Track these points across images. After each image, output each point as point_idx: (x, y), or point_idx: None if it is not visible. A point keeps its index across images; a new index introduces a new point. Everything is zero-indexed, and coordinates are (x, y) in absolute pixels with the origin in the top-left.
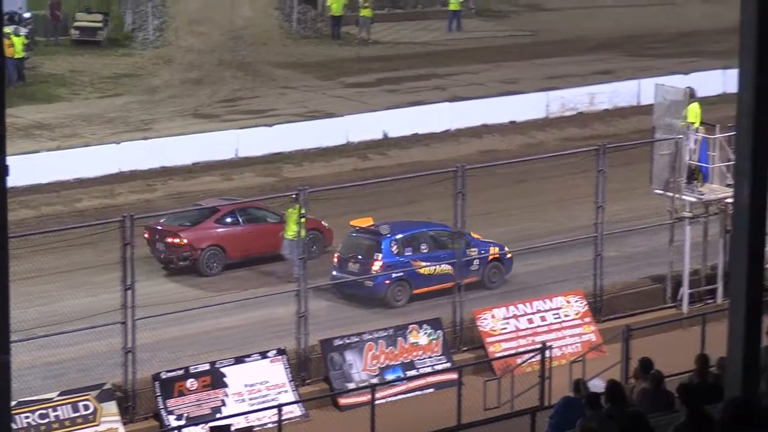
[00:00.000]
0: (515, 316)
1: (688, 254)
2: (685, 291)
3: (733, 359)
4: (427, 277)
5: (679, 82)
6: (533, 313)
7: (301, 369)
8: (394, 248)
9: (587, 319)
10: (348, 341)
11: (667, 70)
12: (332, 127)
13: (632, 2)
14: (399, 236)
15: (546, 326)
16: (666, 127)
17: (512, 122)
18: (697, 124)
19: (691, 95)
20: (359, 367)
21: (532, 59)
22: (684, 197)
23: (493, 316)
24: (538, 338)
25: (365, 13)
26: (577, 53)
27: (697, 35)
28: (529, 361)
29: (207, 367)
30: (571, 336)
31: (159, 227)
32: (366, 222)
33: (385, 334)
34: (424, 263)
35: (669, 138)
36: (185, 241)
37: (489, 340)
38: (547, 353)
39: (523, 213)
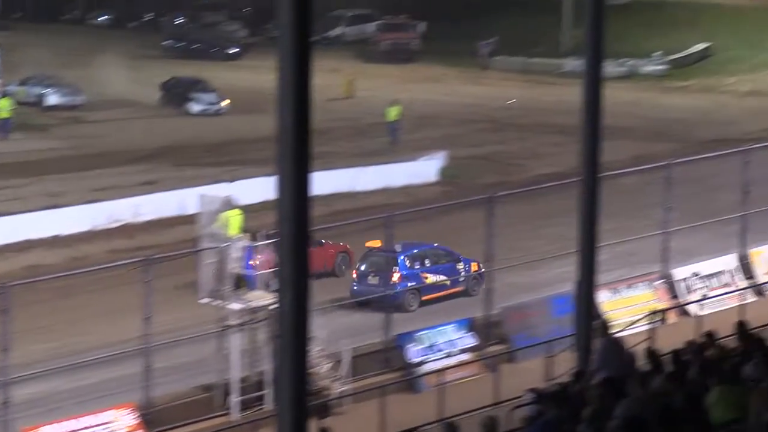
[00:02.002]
0: None
1: (236, 361)
2: (234, 398)
3: None
4: (431, 287)
5: (223, 190)
6: (83, 429)
7: None
8: (408, 263)
9: None
10: None
11: (211, 179)
12: None
13: (172, 114)
14: (410, 253)
15: None
16: (211, 236)
17: (57, 236)
18: (234, 232)
19: (229, 203)
20: None
21: (76, 172)
22: (230, 305)
23: None
24: None
25: None
26: (121, 165)
27: (239, 144)
28: None
29: None
30: None
31: None
32: (377, 243)
33: None
34: (430, 275)
35: (213, 247)
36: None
37: None
38: None
39: (70, 327)
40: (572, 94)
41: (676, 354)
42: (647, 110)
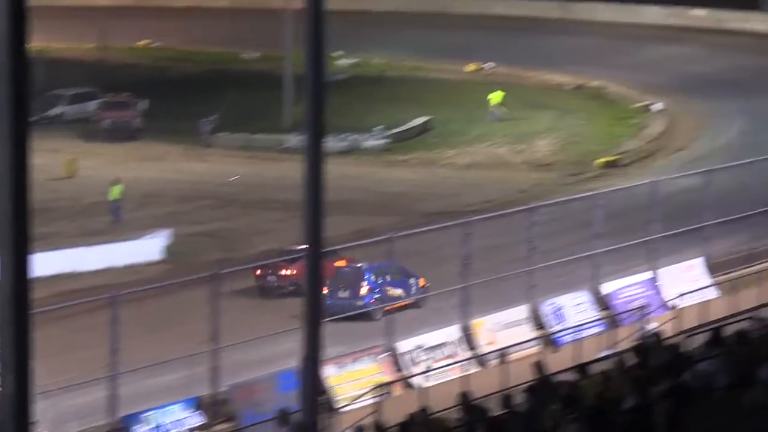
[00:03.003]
0: None
1: None
2: None
3: None
4: (392, 298)
5: None
6: None
7: None
8: (373, 277)
9: None
10: None
11: None
12: None
13: None
14: (375, 269)
15: None
16: None
17: None
18: None
19: None
20: None
21: None
22: None
23: None
24: None
25: None
26: None
27: None
28: None
29: None
30: None
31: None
32: (343, 263)
33: None
34: (391, 288)
35: None
36: (295, 272)
37: None
38: None
39: None
40: (295, 169)
41: (402, 426)
42: (369, 184)
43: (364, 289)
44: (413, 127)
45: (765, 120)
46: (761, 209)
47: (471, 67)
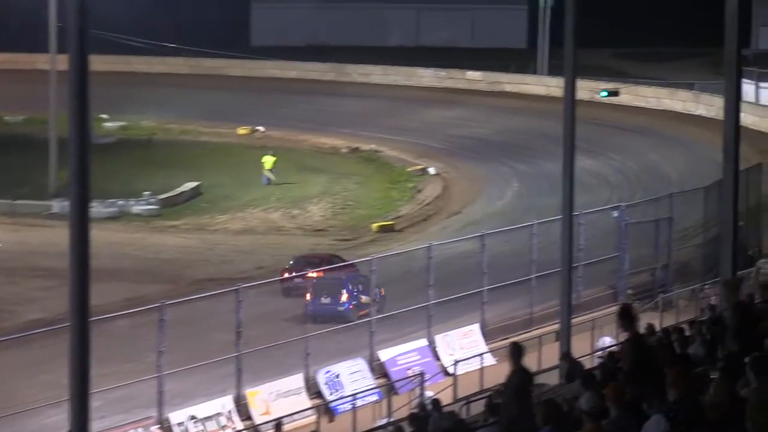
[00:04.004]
0: None
1: None
2: None
3: None
4: (362, 304)
5: None
6: None
7: None
8: (350, 286)
9: None
10: None
11: None
12: None
13: None
14: (351, 279)
15: None
16: None
17: None
18: None
19: None
20: None
21: None
22: None
23: None
24: None
25: None
26: None
27: None
28: None
29: None
30: None
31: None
32: (319, 274)
33: None
34: (363, 296)
35: None
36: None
37: None
38: None
39: None
40: (60, 235)
41: None
42: (139, 251)
43: (344, 296)
44: (183, 192)
45: (540, 182)
46: (537, 274)
47: (243, 130)
